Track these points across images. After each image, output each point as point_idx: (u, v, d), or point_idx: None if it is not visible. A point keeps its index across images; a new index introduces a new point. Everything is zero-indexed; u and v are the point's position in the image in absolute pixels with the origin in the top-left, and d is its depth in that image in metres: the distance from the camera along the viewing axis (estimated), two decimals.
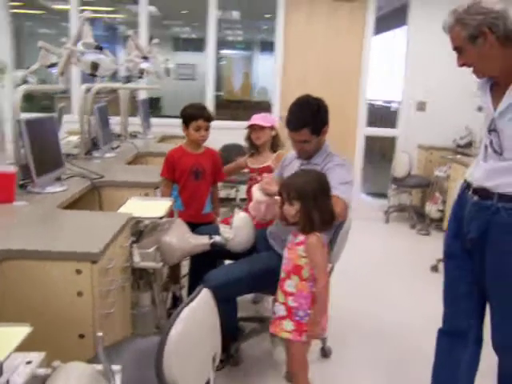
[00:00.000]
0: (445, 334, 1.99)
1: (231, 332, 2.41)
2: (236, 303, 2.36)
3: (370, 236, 4.96)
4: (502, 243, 1.70)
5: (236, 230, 2.29)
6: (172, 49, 12.60)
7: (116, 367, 1.28)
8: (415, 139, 5.55)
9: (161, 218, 2.17)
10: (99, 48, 2.47)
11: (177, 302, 2.92)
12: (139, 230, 2.30)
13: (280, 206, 2.04)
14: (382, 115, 7.24)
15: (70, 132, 4.20)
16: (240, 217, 2.33)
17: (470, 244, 1.80)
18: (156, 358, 1.37)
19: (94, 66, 2.46)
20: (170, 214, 2.69)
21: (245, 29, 11.91)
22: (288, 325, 1.98)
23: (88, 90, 3.52)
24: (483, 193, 1.73)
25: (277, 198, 2.21)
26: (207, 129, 2.79)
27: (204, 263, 2.52)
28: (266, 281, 2.27)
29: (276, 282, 2.28)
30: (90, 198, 2.76)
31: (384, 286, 3.71)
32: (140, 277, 2.25)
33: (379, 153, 7.26)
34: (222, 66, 12.55)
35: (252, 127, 3.02)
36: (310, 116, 2.24)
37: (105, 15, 9.85)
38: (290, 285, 2.00)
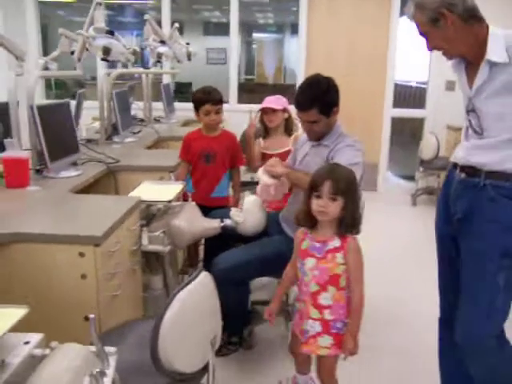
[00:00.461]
0: (443, 323, 1.94)
1: (243, 315, 2.41)
2: (248, 286, 2.35)
3: (396, 219, 4.86)
4: (482, 221, 1.64)
5: (246, 213, 2.27)
6: (202, 33, 12.56)
7: (110, 349, 1.28)
8: (444, 120, 5.38)
9: (169, 201, 2.17)
10: (110, 33, 2.47)
11: None
12: (151, 214, 2.32)
13: (306, 202, 1.77)
14: (411, 95, 7.05)
15: (95, 118, 4.26)
16: (249, 200, 2.30)
17: (457, 226, 1.73)
18: (151, 339, 1.37)
19: (106, 50, 2.47)
20: (184, 196, 2.71)
21: (275, 11, 11.77)
22: (326, 340, 1.77)
23: (108, 76, 3.55)
24: (470, 170, 1.67)
25: (283, 179, 2.18)
26: (218, 112, 2.76)
27: (217, 247, 2.52)
28: (277, 265, 2.24)
29: (284, 265, 2.27)
30: (107, 182, 2.80)
31: (408, 271, 3.63)
32: (152, 259, 2.27)
33: (408, 134, 7.09)
34: (254, 49, 12.48)
35: (264, 110, 2.98)
36: (318, 95, 2.18)
37: (134, 1, 9.89)
38: (326, 297, 1.75)
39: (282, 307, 2.62)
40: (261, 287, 3.02)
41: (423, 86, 6.00)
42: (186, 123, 5.01)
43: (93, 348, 1.23)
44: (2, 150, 2.24)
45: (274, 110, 2.94)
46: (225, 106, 5.54)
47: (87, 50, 2.79)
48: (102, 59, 2.51)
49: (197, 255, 2.94)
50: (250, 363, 2.43)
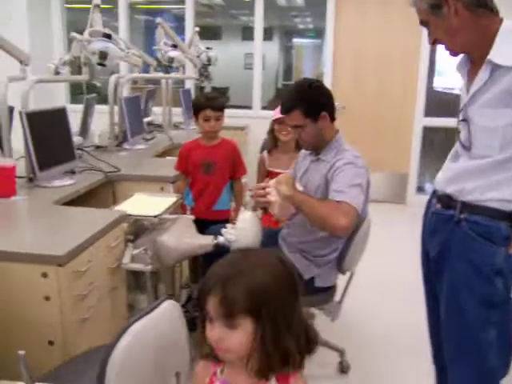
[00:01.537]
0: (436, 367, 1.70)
1: None
2: None
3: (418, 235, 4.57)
4: (456, 261, 1.40)
5: (239, 231, 2.09)
6: (241, 38, 12.53)
7: None
8: None
9: (156, 216, 2.03)
10: (107, 36, 2.36)
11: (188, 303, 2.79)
12: (141, 228, 2.18)
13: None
14: (445, 103, 6.71)
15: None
16: (244, 217, 2.12)
17: (432, 266, 1.50)
18: (97, 378, 1.23)
19: (103, 54, 2.36)
20: (183, 209, 2.57)
21: (314, 16, 11.60)
22: None
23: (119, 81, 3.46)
24: (445, 200, 1.42)
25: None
26: (218, 119, 2.61)
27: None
28: None
29: None
30: (105, 192, 2.70)
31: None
32: (138, 278, 2.13)
33: (443, 144, 6.74)
34: (293, 54, 12.33)
35: (278, 120, 2.77)
36: (301, 95, 2.00)
37: (172, 6, 9.91)
38: None
39: None
40: None
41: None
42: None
43: None
44: None
45: None
46: (248, 112, 5.54)
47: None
48: (99, 64, 2.40)
49: (197, 271, 2.79)
50: None
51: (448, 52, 1.41)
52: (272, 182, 2.14)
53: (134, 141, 3.52)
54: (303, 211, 1.94)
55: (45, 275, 1.55)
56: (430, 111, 5.36)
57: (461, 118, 1.39)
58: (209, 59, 4.41)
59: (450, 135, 5.87)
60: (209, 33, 11.96)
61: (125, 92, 5.39)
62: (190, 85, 5.48)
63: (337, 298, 2.27)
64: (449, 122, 5.40)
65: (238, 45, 11.22)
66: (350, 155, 1.99)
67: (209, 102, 2.56)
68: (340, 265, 2.12)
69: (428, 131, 5.46)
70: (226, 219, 2.66)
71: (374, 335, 2.71)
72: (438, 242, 1.46)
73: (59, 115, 2.49)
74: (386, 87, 5.27)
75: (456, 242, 1.39)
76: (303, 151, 2.26)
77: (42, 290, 1.57)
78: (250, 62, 11.12)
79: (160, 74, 3.85)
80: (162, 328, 1.36)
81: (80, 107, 3.66)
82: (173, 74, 4.29)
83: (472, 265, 1.35)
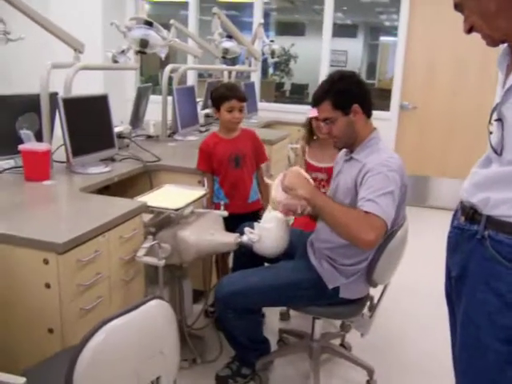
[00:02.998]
0: None
1: (254, 345, 2.12)
2: (258, 314, 2.06)
3: None
4: (477, 286, 1.18)
5: (262, 231, 1.97)
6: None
7: None
8: None
9: (175, 210, 1.95)
10: (149, 24, 2.32)
11: None
12: (168, 221, 2.13)
13: None
14: None
15: None
16: (268, 217, 1.99)
17: (453, 286, 1.29)
18: (65, 377, 1.17)
19: (144, 42, 2.32)
20: (216, 206, 2.48)
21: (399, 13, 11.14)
22: None
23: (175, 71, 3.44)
24: (470, 213, 1.21)
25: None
26: (241, 110, 2.50)
27: (246, 262, 2.26)
28: (288, 295, 1.94)
29: (300, 296, 1.94)
30: (144, 181, 2.68)
31: None
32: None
33: None
34: (378, 52, 11.96)
35: (314, 118, 2.62)
36: (330, 85, 1.84)
37: None
38: None
39: (305, 342, 2.30)
40: (294, 316, 2.69)
41: None
42: (266, 125, 4.80)
43: None
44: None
45: None
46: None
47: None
48: (138, 52, 2.36)
49: (225, 268, 2.70)
50: None
51: (486, 42, 1.20)
52: (279, 178, 1.98)
53: (186, 132, 3.49)
54: (324, 217, 1.78)
55: (46, 262, 1.53)
56: None
57: (494, 117, 1.18)
58: (272, 52, 4.29)
59: None
60: (291, 29, 11.86)
61: (191, 84, 5.43)
62: (254, 78, 5.39)
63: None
64: None
65: (322, 41, 10.98)
66: (384, 155, 1.80)
67: (233, 93, 2.46)
68: (369, 277, 1.93)
69: None
70: (258, 209, 2.57)
71: (409, 354, 2.48)
72: (458, 261, 1.26)
73: (100, 103, 2.49)
74: (460, 87, 4.89)
75: (477, 263, 1.18)
76: (341, 153, 2.09)
77: (43, 277, 1.54)
78: (333, 59, 10.90)
79: (218, 66, 3.78)
80: (143, 328, 1.28)
81: (156, 98, 3.71)
82: (234, 67, 4.22)
83: (495, 293, 1.14)
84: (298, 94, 10.83)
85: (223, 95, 2.48)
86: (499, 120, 1.16)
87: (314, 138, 2.72)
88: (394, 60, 11.87)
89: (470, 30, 1.20)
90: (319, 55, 5.37)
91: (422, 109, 5.07)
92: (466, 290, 1.21)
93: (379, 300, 2.08)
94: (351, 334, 2.49)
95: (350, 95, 1.85)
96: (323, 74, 5.39)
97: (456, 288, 1.27)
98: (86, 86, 2.83)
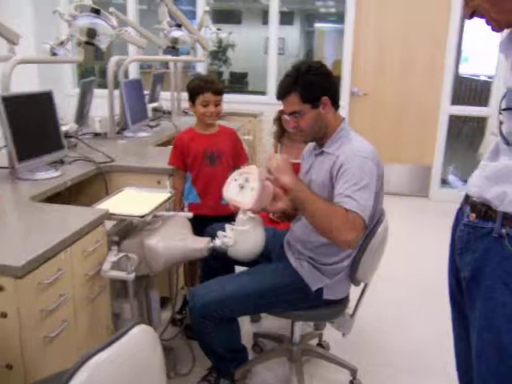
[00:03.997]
0: None
1: (232, 355, 1.99)
2: (235, 323, 1.92)
3: (445, 232, 4.24)
4: (495, 288, 1.11)
5: (237, 234, 1.83)
6: (261, 22, 12.20)
7: None
8: None
9: (141, 216, 1.78)
10: (96, 11, 2.10)
11: (185, 307, 2.55)
12: (132, 227, 1.95)
13: None
14: (471, 90, 6.33)
15: None
16: (243, 218, 1.86)
17: (464, 287, 1.22)
18: None
19: (91, 32, 2.10)
20: (182, 207, 2.32)
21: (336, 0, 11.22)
22: None
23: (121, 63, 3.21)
24: (483, 209, 1.14)
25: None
26: (217, 104, 2.35)
27: (217, 265, 2.12)
28: (269, 302, 1.82)
29: (282, 301, 1.83)
30: (98, 184, 2.46)
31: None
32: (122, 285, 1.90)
33: (470, 134, 6.39)
34: (314, 40, 11.97)
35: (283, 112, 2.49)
36: (297, 77, 1.72)
37: None
38: None
39: (284, 346, 2.20)
40: (266, 316, 2.58)
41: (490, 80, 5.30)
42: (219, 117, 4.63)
43: None
44: None
45: None
46: (263, 98, 5.25)
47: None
48: (87, 43, 2.14)
49: (193, 271, 2.54)
50: None
51: (490, 27, 1.12)
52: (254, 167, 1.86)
53: (136, 128, 3.28)
54: (305, 211, 1.67)
55: (1, 288, 1.32)
56: (455, 99, 5.01)
57: (503, 106, 1.10)
58: (220, 41, 4.13)
59: (477, 125, 5.54)
60: (228, 17, 11.66)
61: (133, 76, 5.16)
62: (201, 69, 5.20)
63: (349, 310, 2.01)
64: (477, 110, 5.07)
65: (259, 29, 10.90)
66: (357, 145, 1.72)
67: (209, 85, 2.29)
68: (353, 275, 1.84)
69: (454, 121, 5.11)
70: (233, 213, 2.41)
71: (391, 351, 2.43)
72: (469, 261, 1.18)
73: (44, 100, 2.24)
74: (409, 73, 4.93)
75: (494, 263, 1.11)
76: (308, 147, 1.98)
77: None
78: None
79: (167, 56, 3.57)
80: (129, 361, 1.12)
81: (98, 92, 3.44)
82: (181, 57, 4.02)
83: None
84: (237, 83, 10.70)
85: (197, 88, 2.31)
86: (509, 109, 1.09)
87: (285, 133, 2.60)
88: (330, 46, 11.96)
89: (472, 15, 1.11)
90: (257, 43, 5.27)
91: (372, 95, 5.07)
92: (482, 292, 1.14)
93: (360, 298, 2.01)
94: (327, 330, 2.42)
95: (320, 87, 1.74)
96: (272, 62, 5.28)
97: (468, 290, 1.20)
98: (19, 82, 2.54)
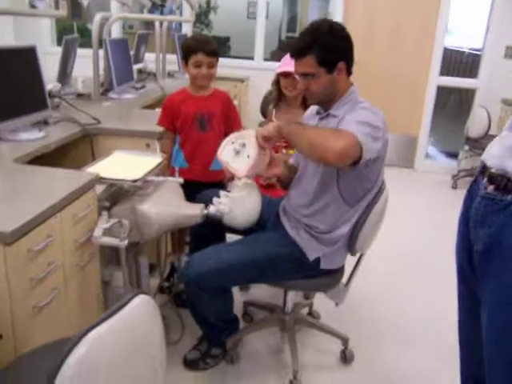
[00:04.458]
0: (465, 378, 1.42)
1: (225, 324, 1.95)
2: (229, 293, 1.88)
3: (433, 202, 4.27)
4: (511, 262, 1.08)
5: (234, 201, 1.77)
6: None
7: None
8: (499, 92, 4.67)
9: (134, 181, 1.70)
10: None
11: (173, 275, 2.50)
12: (123, 192, 1.86)
13: None
14: (463, 63, 6.31)
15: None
16: (239, 184, 1.79)
17: (477, 261, 1.19)
18: None
19: None
20: (170, 172, 2.24)
21: None
22: None
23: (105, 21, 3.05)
24: (503, 181, 1.10)
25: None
26: (211, 66, 2.24)
27: (207, 235, 2.06)
28: (265, 271, 1.78)
29: (279, 271, 1.79)
30: (84, 147, 2.36)
31: (441, 270, 3.07)
32: (113, 252, 1.83)
33: (457, 106, 6.38)
34: (298, 5, 11.71)
35: (283, 74, 2.40)
36: (317, 38, 1.63)
37: None
38: None
39: (277, 316, 2.17)
40: (254, 285, 2.55)
41: (478, 52, 5.25)
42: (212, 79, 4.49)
43: None
44: None
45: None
46: (250, 63, 5.11)
47: None
48: None
49: (182, 239, 2.48)
50: (232, 380, 1.99)
51: None
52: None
53: (121, 89, 3.15)
54: (292, 140, 1.62)
55: None
56: (442, 71, 4.97)
57: None
58: (208, 2, 3.96)
59: (465, 98, 5.51)
60: None
61: (115, 36, 4.95)
62: (186, 30, 5.02)
63: (343, 279, 1.98)
64: (466, 82, 5.03)
65: None
66: (367, 105, 1.66)
67: (201, 45, 2.19)
68: (352, 245, 1.81)
69: (440, 92, 5.07)
70: (222, 180, 2.34)
71: (383, 324, 2.43)
72: (484, 234, 1.14)
73: (27, 56, 2.11)
74: (399, 44, 4.85)
75: (511, 238, 1.07)
76: (310, 111, 1.91)
77: None
78: (254, 11, 10.55)
79: (152, 16, 3.41)
80: (129, 334, 1.06)
81: (80, 52, 3.27)
82: (168, 16, 3.85)
83: None
84: (220, 47, 10.48)
85: (190, 48, 2.20)
86: None
87: (283, 97, 2.50)
88: (314, 13, 11.71)
89: None
90: (240, 7, 5.10)
91: (361, 65, 4.96)
92: (496, 267, 1.10)
93: (355, 268, 1.98)
94: (317, 300, 2.40)
95: (338, 52, 1.66)
96: (260, 27, 5.12)
97: (480, 263, 1.16)
98: None
